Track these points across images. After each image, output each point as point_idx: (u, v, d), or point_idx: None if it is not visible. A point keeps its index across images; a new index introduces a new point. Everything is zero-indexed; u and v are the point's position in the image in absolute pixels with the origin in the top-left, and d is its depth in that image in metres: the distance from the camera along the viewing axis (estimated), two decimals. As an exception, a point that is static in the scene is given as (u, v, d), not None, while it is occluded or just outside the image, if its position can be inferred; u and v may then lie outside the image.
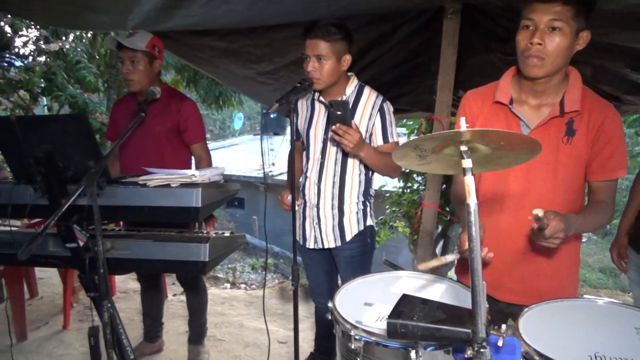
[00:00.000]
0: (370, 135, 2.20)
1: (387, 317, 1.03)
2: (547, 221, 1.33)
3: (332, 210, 2.26)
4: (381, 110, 2.17)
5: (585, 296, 1.69)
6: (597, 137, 1.50)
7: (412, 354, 1.15)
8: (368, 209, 2.32)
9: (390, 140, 2.20)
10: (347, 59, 2.12)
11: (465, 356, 0.96)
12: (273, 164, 10.79)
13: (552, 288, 1.60)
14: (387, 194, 5.08)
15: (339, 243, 2.29)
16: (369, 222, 2.32)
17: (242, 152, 15.18)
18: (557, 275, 1.61)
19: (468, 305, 1.05)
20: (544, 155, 1.50)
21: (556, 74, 1.48)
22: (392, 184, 5.05)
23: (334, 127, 1.96)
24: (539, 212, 1.24)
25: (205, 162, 2.60)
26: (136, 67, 2.41)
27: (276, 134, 14.73)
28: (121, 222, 2.77)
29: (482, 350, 0.93)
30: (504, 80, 1.61)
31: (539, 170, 1.53)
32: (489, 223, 1.57)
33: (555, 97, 1.52)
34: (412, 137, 4.59)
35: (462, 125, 0.97)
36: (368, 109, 2.17)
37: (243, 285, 4.90)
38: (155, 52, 2.45)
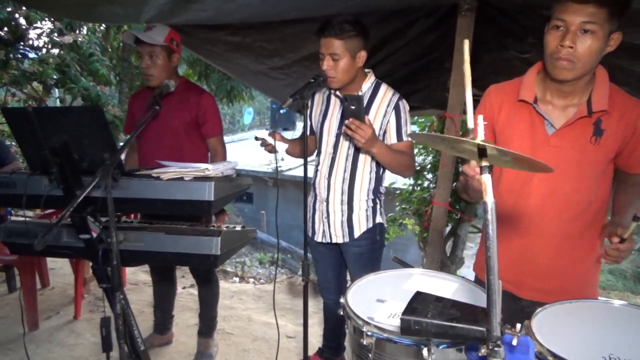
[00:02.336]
0: (385, 133, 2.19)
1: (399, 314, 1.03)
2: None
3: (342, 205, 2.26)
4: (396, 108, 2.16)
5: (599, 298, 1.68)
6: (632, 134, 1.48)
7: (424, 351, 1.15)
8: (378, 206, 2.31)
9: (405, 138, 2.18)
10: (362, 55, 2.10)
11: (479, 354, 0.96)
12: (282, 159, 10.79)
13: (576, 286, 1.59)
14: (397, 191, 5.06)
15: (347, 239, 2.29)
16: (379, 219, 2.31)
17: (252, 147, 15.13)
18: (581, 274, 1.61)
19: (481, 303, 1.05)
20: (570, 155, 1.50)
21: (585, 75, 1.45)
22: (403, 181, 5.03)
23: (346, 121, 1.95)
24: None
25: (220, 155, 2.61)
26: (155, 61, 2.41)
27: (286, 129, 14.72)
28: (132, 215, 2.79)
29: (496, 348, 0.93)
30: (529, 78, 1.57)
31: (565, 171, 1.50)
32: (513, 222, 1.57)
33: (582, 97, 1.49)
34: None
35: (480, 123, 0.96)
36: (383, 106, 2.16)
37: (252, 280, 4.91)
38: (174, 46, 2.46)
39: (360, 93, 2.17)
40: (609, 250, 1.41)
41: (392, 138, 2.18)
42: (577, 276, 1.62)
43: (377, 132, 2.13)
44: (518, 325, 0.97)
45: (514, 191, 1.61)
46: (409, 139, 2.19)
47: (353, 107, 1.91)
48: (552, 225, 1.56)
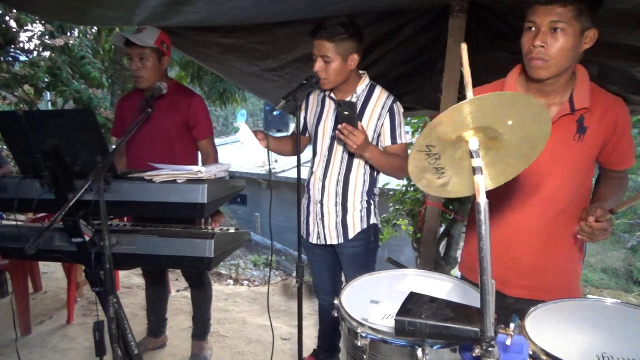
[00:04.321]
0: (379, 135, 2.19)
1: (394, 315, 1.03)
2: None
3: (336, 207, 2.26)
4: (391, 111, 2.16)
5: (590, 296, 1.69)
6: (613, 132, 1.52)
7: (419, 352, 1.15)
8: (372, 207, 2.31)
9: (399, 141, 2.19)
10: (355, 58, 2.10)
11: (473, 355, 0.96)
12: (276, 161, 10.78)
13: (560, 283, 1.61)
14: (391, 192, 5.07)
15: (341, 240, 2.29)
16: (373, 220, 2.31)
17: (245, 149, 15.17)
18: (565, 271, 1.62)
19: (474, 303, 1.05)
20: (555, 153, 1.52)
21: (563, 74, 1.47)
22: (396, 182, 5.04)
23: (339, 126, 1.96)
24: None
25: (212, 158, 2.61)
26: (145, 64, 2.39)
27: (279, 131, 14.69)
28: (125, 218, 2.78)
29: (490, 349, 0.93)
30: (511, 79, 1.61)
31: (549, 168, 1.53)
32: (497, 219, 1.57)
33: (564, 96, 1.53)
34: (417, 136, 4.59)
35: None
36: (378, 109, 2.16)
37: (246, 282, 4.90)
38: (164, 49, 2.45)
39: (355, 95, 2.17)
40: (583, 226, 1.43)
41: (386, 141, 2.19)
42: (560, 273, 1.64)
43: (371, 134, 2.14)
44: (512, 325, 0.97)
45: (500, 188, 1.63)
46: (404, 141, 2.20)
47: (346, 113, 1.92)
48: (536, 222, 1.58)
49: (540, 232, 1.58)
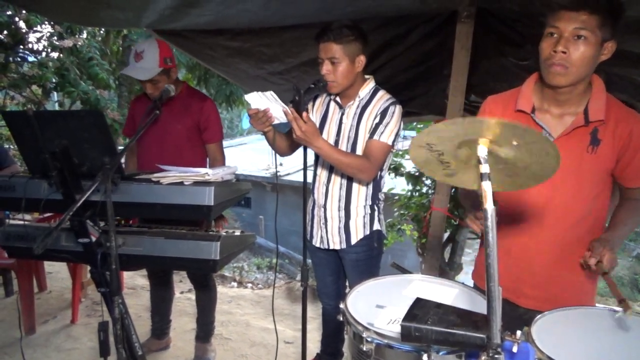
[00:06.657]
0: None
1: (399, 319, 1.03)
2: (600, 257, 1.38)
3: (339, 211, 2.25)
4: (384, 110, 2.11)
5: (597, 305, 1.68)
6: (627, 146, 1.48)
7: (424, 357, 1.14)
8: (376, 213, 2.29)
9: (377, 137, 2.10)
10: (361, 60, 2.10)
11: (479, 361, 0.96)
12: (281, 164, 10.80)
13: (573, 295, 1.59)
14: (396, 197, 5.07)
15: (344, 245, 2.28)
16: (376, 226, 2.29)
17: (250, 152, 15.25)
18: (578, 283, 1.61)
19: (481, 310, 1.05)
20: (568, 164, 1.50)
21: (580, 83, 1.46)
22: (401, 187, 5.05)
23: (284, 108, 1.89)
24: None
25: (220, 162, 2.63)
26: (157, 86, 2.41)
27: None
28: (131, 220, 2.79)
29: (496, 356, 0.93)
30: (526, 88, 1.59)
31: (562, 179, 1.50)
32: (511, 229, 1.56)
33: (579, 106, 1.50)
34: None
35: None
36: (375, 110, 2.14)
37: (250, 285, 4.90)
38: (169, 64, 2.44)
39: (357, 99, 2.17)
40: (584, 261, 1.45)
41: (367, 135, 2.13)
42: (574, 285, 1.62)
43: (367, 136, 2.13)
44: (518, 332, 0.97)
45: (513, 199, 1.62)
46: (383, 140, 2.10)
47: (297, 98, 1.89)
48: (550, 233, 1.57)
49: (554, 243, 1.56)
